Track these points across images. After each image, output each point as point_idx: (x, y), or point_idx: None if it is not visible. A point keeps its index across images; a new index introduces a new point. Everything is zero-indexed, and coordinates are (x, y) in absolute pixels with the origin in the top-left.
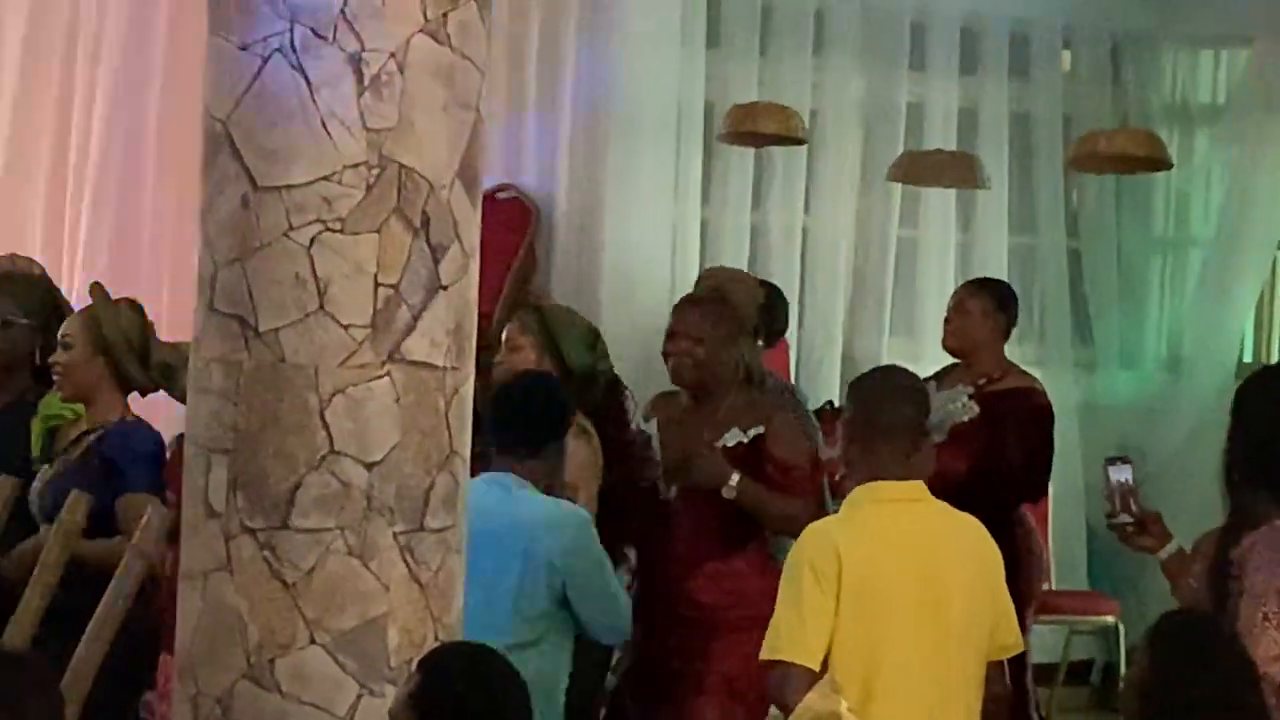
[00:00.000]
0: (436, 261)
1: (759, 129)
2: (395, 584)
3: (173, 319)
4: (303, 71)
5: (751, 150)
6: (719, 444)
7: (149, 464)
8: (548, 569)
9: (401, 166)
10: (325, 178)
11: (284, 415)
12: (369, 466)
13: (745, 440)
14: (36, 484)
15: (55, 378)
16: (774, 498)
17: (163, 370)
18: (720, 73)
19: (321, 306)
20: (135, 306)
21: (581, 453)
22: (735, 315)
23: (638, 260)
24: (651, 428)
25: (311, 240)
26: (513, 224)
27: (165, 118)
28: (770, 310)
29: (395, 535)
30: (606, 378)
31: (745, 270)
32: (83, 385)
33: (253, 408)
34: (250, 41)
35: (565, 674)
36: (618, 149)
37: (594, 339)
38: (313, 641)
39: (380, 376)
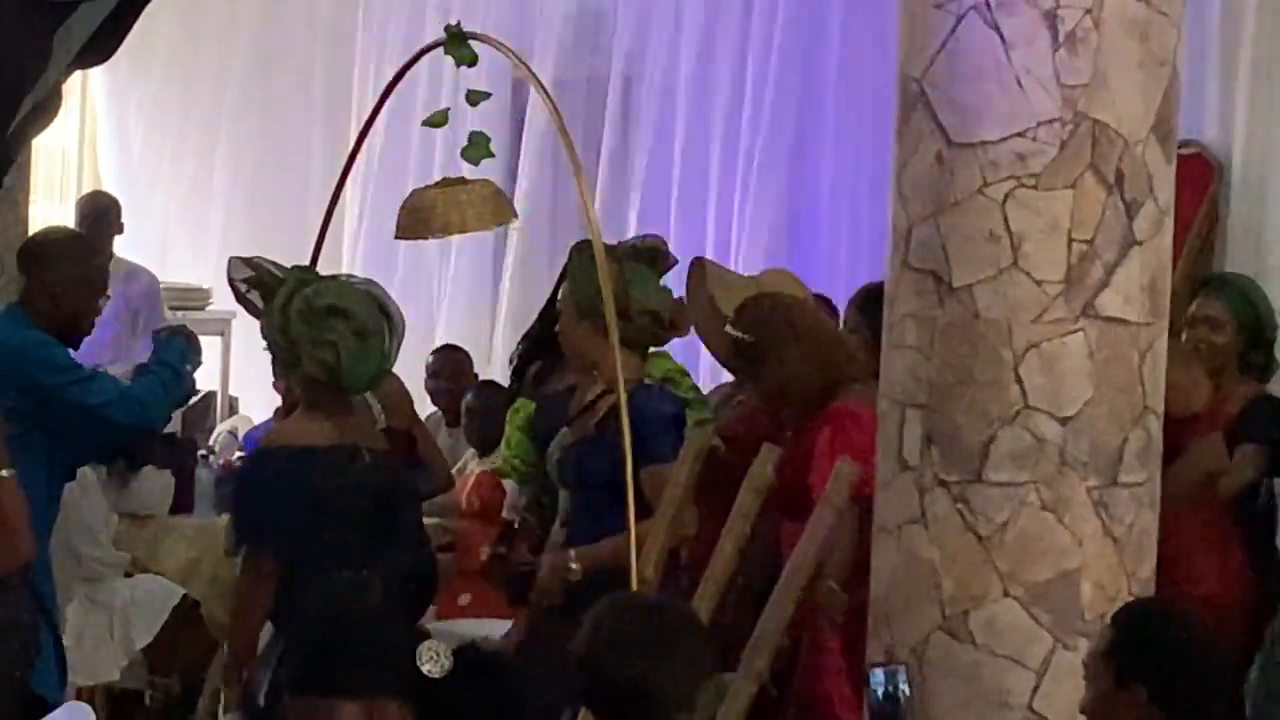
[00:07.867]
0: (1131, 218)
1: None
2: (1088, 538)
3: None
4: (997, 29)
5: None
6: None
7: (671, 429)
8: None
9: (1096, 122)
10: (1019, 134)
11: (977, 370)
12: (1062, 421)
13: None
14: (553, 449)
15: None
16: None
17: (650, 316)
18: None
19: (1015, 262)
20: (614, 254)
21: None
22: None
23: None
24: None
25: (1005, 196)
26: (1195, 180)
27: (844, 75)
28: None
29: (1088, 490)
30: None
31: None
32: (581, 347)
33: (946, 363)
34: (944, 0)
35: None
36: None
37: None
38: (1006, 594)
39: (1074, 332)
